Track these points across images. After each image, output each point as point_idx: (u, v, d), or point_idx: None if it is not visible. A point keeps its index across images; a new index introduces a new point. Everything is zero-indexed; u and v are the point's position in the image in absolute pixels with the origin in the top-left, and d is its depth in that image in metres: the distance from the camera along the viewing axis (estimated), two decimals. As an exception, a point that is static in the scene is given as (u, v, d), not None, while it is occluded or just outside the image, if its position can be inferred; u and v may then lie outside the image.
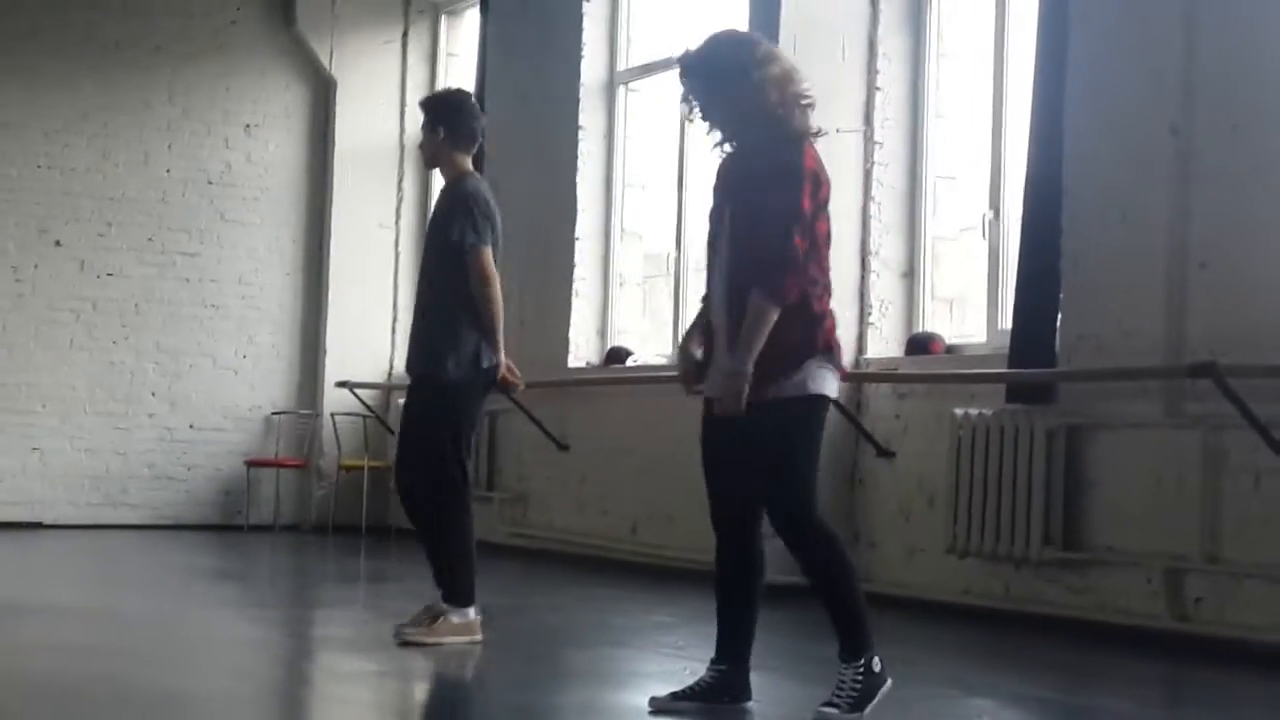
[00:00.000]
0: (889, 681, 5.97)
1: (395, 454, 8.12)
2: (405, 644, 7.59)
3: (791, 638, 8.02)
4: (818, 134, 6.10)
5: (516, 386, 8.18)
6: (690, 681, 6.16)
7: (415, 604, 7.96)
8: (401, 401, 14.19)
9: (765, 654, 6.30)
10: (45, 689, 6.48)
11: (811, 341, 5.97)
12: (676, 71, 6.22)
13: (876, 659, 5.96)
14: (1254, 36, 8.19)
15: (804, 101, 6.07)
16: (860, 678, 5.91)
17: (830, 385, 6.05)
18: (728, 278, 6.05)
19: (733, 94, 6.05)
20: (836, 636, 5.99)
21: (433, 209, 8.29)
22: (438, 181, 15.13)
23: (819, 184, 5.99)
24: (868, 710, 5.87)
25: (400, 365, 15.14)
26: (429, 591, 7.89)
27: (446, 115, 8.05)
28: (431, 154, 8.11)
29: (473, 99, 8.36)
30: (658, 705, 6.09)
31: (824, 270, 6.05)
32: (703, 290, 6.30)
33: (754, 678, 6.15)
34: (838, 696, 5.90)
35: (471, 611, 7.72)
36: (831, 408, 9.97)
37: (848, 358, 10.28)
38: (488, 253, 7.83)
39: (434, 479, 7.75)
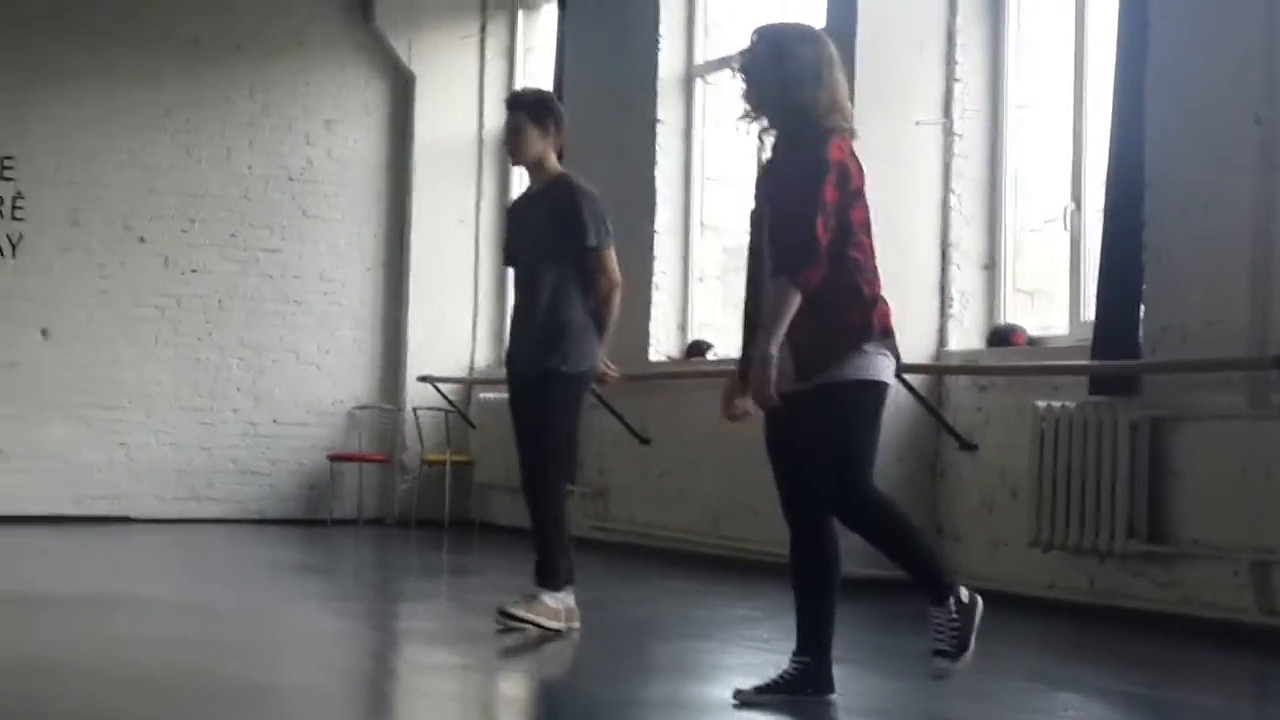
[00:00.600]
0: (979, 603, 6.07)
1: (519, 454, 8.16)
2: (504, 615, 7.68)
3: (872, 630, 8.02)
4: (850, 132, 6.14)
5: (614, 380, 8.29)
6: (774, 674, 6.17)
7: (499, 596, 7.99)
8: (487, 396, 14.40)
9: (846, 647, 6.29)
10: (136, 681, 6.54)
11: (864, 327, 6.02)
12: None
13: (962, 591, 6.07)
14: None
15: (838, 97, 6.11)
16: (955, 618, 6.02)
17: (885, 371, 6.10)
18: (772, 280, 6.08)
19: (770, 83, 6.11)
20: (923, 587, 6.09)
21: (530, 205, 8.32)
22: (516, 178, 15.26)
23: (846, 174, 6.02)
24: (972, 647, 6.00)
25: (481, 360, 15.21)
26: (513, 584, 7.94)
27: (555, 114, 8.19)
28: (539, 152, 8.15)
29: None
30: (743, 698, 6.10)
31: (868, 256, 6.10)
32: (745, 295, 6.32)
33: (836, 670, 6.14)
34: (940, 642, 6.02)
35: (567, 597, 7.79)
36: (911, 403, 10.12)
37: (929, 350, 10.35)
38: (614, 255, 8.05)
39: (540, 465, 7.89)
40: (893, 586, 9.59)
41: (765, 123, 6.19)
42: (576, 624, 7.87)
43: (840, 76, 6.17)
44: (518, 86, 15.43)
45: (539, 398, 8.00)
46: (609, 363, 8.20)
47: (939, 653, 6.00)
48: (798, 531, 6.16)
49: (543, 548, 7.84)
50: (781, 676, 6.13)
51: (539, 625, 7.67)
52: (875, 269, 6.14)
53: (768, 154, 6.29)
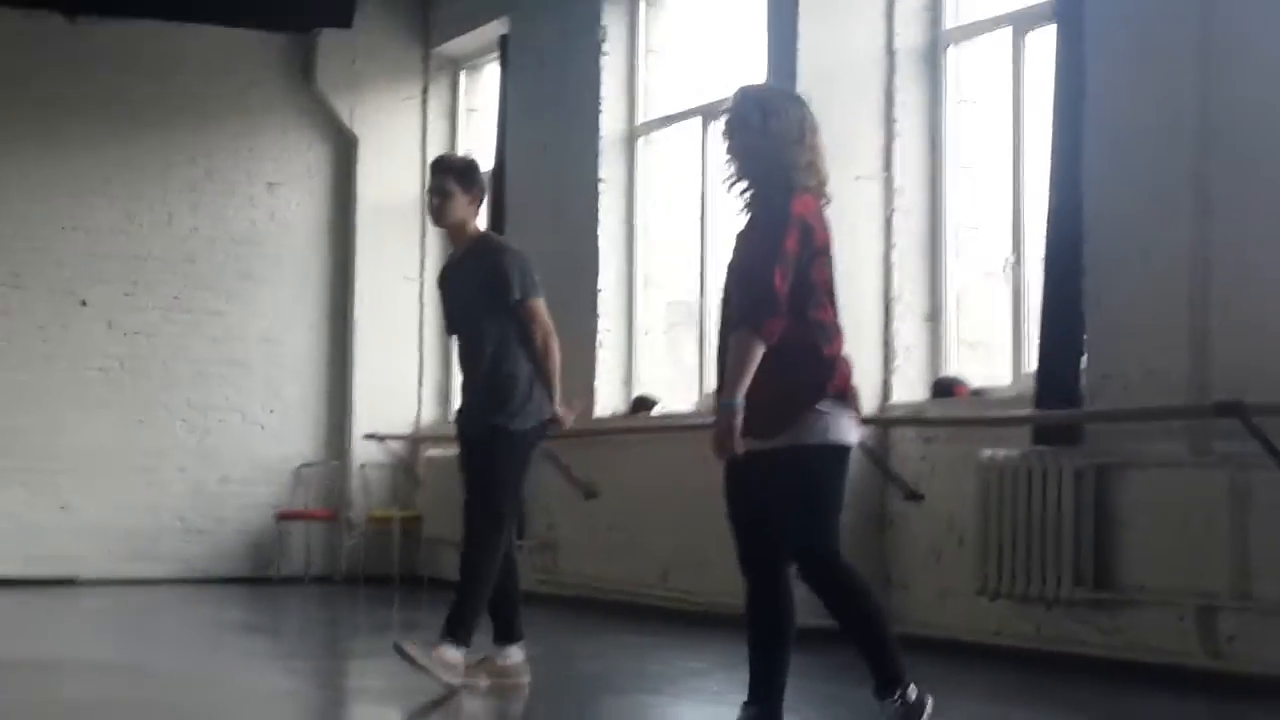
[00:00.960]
0: (930, 701, 5.97)
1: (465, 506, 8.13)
2: (397, 649, 7.66)
3: (823, 680, 7.99)
4: (819, 189, 6.11)
5: (565, 424, 8.25)
6: None
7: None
8: (434, 452, 14.36)
9: (793, 696, 6.25)
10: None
11: (821, 385, 5.98)
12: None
13: (913, 687, 5.96)
14: (1268, 79, 8.19)
15: (816, 160, 6.11)
16: (900, 709, 5.92)
17: (849, 433, 6.06)
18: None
19: (749, 143, 6.11)
20: (870, 673, 5.99)
21: (457, 271, 8.33)
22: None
23: (809, 230, 6.00)
24: None
25: (428, 416, 15.17)
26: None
27: (477, 178, 8.24)
28: (464, 216, 8.18)
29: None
30: None
31: (830, 315, 6.07)
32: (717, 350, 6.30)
33: None
34: None
35: (459, 654, 7.75)
36: (857, 451, 10.11)
37: (873, 402, 10.36)
38: (543, 304, 8.08)
39: (485, 523, 7.87)
40: (840, 636, 9.61)
41: (745, 182, 6.16)
42: (526, 678, 7.85)
43: (820, 141, 6.17)
44: (459, 147, 15.49)
45: (487, 455, 7.99)
46: (564, 406, 8.19)
47: None
48: (755, 584, 6.13)
49: (463, 601, 7.83)
50: None
51: (432, 674, 7.64)
52: (838, 329, 6.10)
53: (744, 211, 6.23)
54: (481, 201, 8.31)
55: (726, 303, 6.20)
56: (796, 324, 5.97)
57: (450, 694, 7.58)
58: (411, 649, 7.69)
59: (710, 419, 6.28)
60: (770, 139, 6.07)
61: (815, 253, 6.01)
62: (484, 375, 8.06)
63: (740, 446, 5.89)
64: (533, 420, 8.04)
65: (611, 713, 7.70)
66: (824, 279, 6.05)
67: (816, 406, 5.96)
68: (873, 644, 5.98)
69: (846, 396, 6.05)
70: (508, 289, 8.00)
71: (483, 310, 8.07)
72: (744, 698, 6.15)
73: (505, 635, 7.98)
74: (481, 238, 8.30)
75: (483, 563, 7.85)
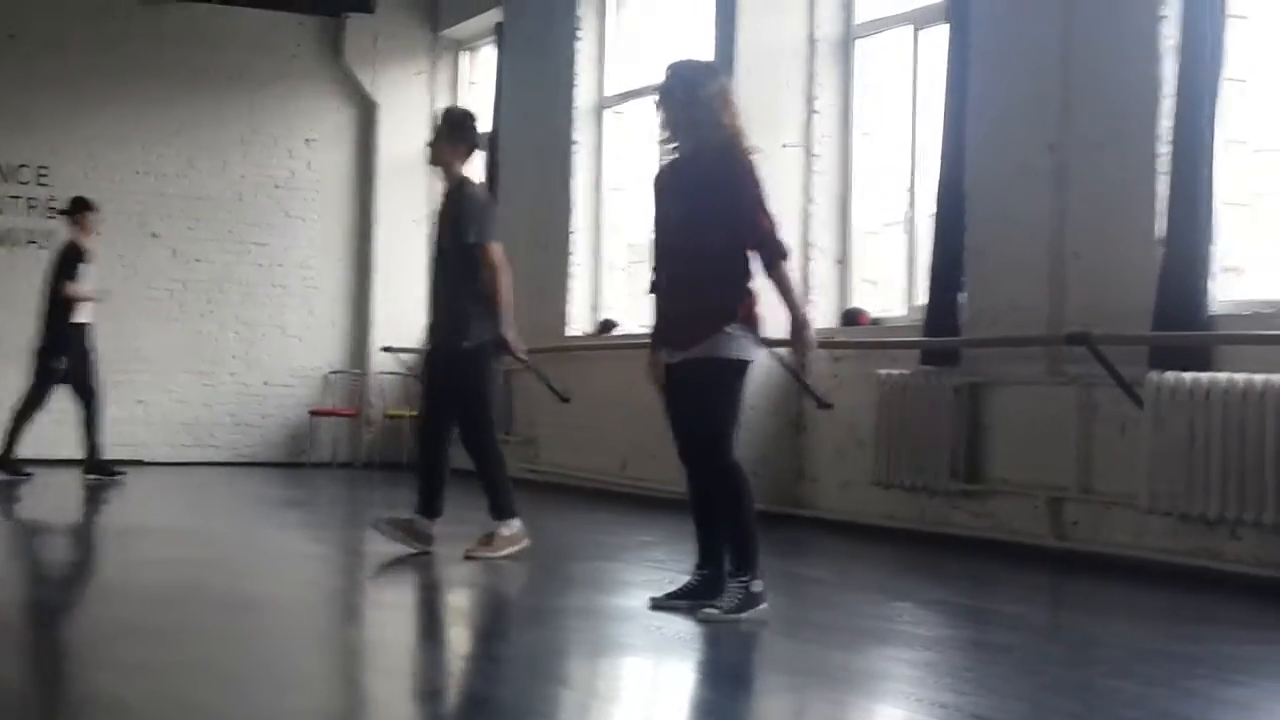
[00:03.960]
0: (766, 604, 5.88)
1: (423, 407, 8.07)
2: (469, 558, 7.59)
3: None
4: (753, 149, 6.09)
5: (520, 358, 8.08)
6: (680, 584, 6.17)
7: (454, 527, 7.96)
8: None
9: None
10: (149, 595, 6.50)
11: (732, 311, 5.93)
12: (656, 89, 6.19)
13: (759, 582, 5.89)
14: (1117, 69, 8.20)
15: (737, 122, 6.06)
16: (742, 590, 5.86)
17: (747, 350, 5.99)
18: (688, 269, 5.99)
19: (686, 104, 6.01)
20: (730, 555, 5.96)
21: (442, 208, 8.10)
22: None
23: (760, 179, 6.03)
24: (743, 616, 5.80)
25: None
26: (466, 517, 7.93)
27: (464, 131, 8.00)
28: (445, 158, 7.97)
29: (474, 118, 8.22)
30: (656, 603, 6.10)
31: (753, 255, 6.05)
32: (651, 282, 6.23)
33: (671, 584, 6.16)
34: (722, 600, 5.87)
35: (516, 522, 7.75)
36: (779, 368, 10.16)
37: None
38: (496, 247, 7.78)
39: (469, 424, 7.80)
40: (768, 518, 9.68)
41: (676, 143, 6.09)
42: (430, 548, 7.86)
43: (738, 104, 6.12)
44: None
45: (453, 371, 7.82)
46: (519, 346, 7.92)
47: (715, 605, 5.83)
48: (692, 471, 6.13)
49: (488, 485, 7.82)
50: (686, 586, 6.13)
51: (403, 544, 7.74)
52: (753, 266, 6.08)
53: (670, 169, 6.15)
54: (469, 151, 7.99)
55: (663, 243, 6.11)
56: (732, 256, 5.95)
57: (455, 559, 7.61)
58: (476, 551, 7.64)
59: (650, 374, 6.22)
60: (699, 107, 5.96)
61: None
62: (444, 300, 7.92)
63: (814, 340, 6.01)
64: (483, 336, 7.75)
65: (574, 574, 7.74)
66: None
67: (725, 328, 5.92)
68: (741, 535, 5.93)
69: (753, 319, 6.00)
70: (465, 231, 7.76)
71: (450, 244, 7.88)
72: (685, 566, 6.18)
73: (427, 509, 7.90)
74: (460, 182, 7.95)
75: (487, 449, 7.82)
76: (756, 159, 6.04)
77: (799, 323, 5.96)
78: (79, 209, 12.43)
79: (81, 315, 12.21)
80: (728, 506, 5.96)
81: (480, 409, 7.82)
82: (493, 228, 7.83)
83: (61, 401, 12.28)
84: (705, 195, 5.99)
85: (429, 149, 8.15)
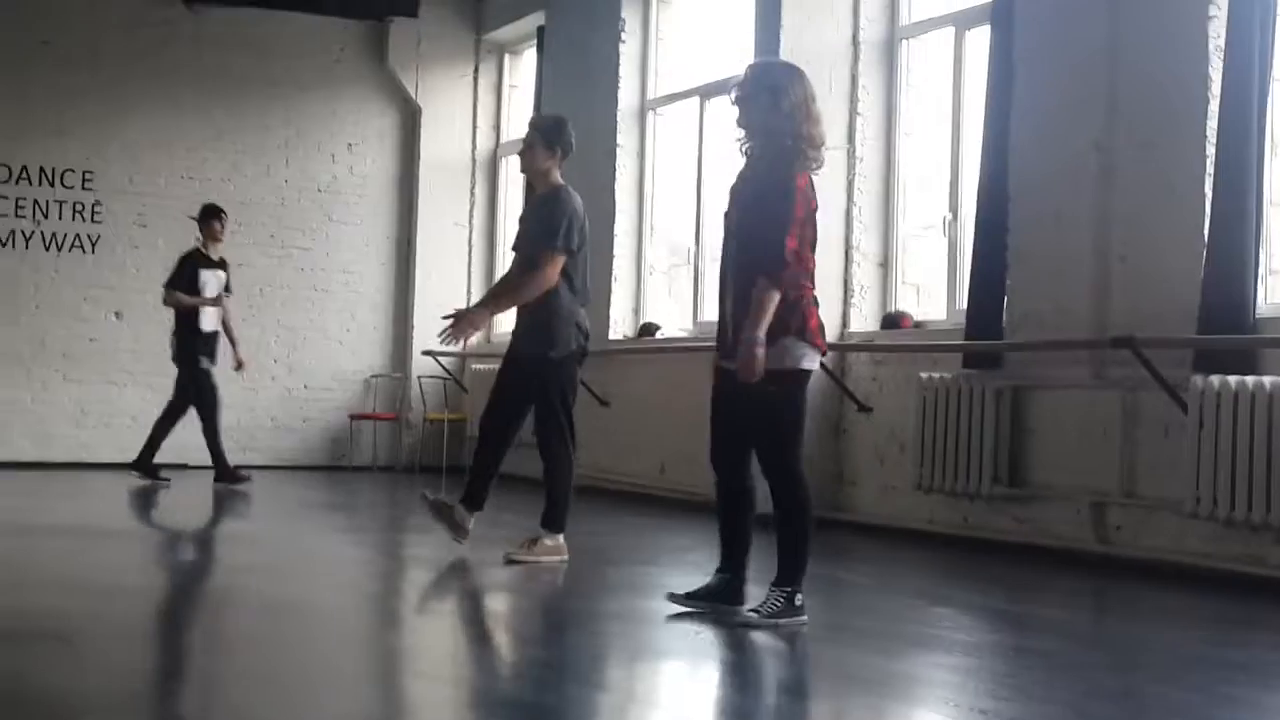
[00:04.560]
0: (806, 618, 5.89)
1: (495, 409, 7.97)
2: (511, 562, 7.61)
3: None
4: (817, 159, 6.03)
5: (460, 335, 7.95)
6: (699, 585, 6.16)
7: (489, 530, 7.98)
8: (478, 366, 14.37)
9: (762, 570, 6.27)
10: (191, 597, 6.52)
11: (792, 323, 5.92)
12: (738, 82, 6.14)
13: (800, 594, 5.90)
14: (1164, 68, 8.15)
15: (815, 131, 5.99)
16: (783, 600, 5.88)
17: (811, 361, 6.01)
18: (735, 277, 6.02)
19: (760, 107, 5.98)
20: (779, 564, 5.95)
21: (526, 214, 8.13)
22: (504, 189, 15.24)
23: (809, 200, 5.98)
24: (781, 623, 5.81)
25: (474, 337, 15.09)
26: (501, 519, 7.93)
27: (559, 137, 7.97)
28: (546, 167, 7.94)
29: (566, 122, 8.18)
30: (675, 598, 6.11)
31: (811, 265, 6.03)
32: (718, 285, 6.25)
33: (752, 587, 6.14)
34: (761, 606, 5.88)
35: (561, 538, 7.78)
36: (819, 373, 10.13)
37: (835, 333, 10.37)
38: (556, 258, 7.72)
39: (550, 432, 7.79)
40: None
41: (750, 144, 6.06)
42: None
43: (819, 110, 6.05)
44: (504, 118, 15.44)
45: (535, 380, 7.80)
46: (479, 313, 7.96)
47: (755, 610, 5.86)
48: (724, 477, 6.14)
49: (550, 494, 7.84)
50: (705, 586, 6.13)
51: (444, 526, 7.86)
52: (813, 277, 6.04)
53: (745, 169, 6.11)
54: (563, 157, 7.96)
55: (727, 246, 6.09)
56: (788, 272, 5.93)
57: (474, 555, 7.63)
58: (517, 554, 7.67)
59: (714, 344, 6.23)
60: (781, 116, 5.94)
61: (809, 215, 5.98)
62: (529, 308, 7.85)
63: (761, 371, 5.84)
64: (569, 347, 7.79)
65: (612, 579, 7.74)
66: (811, 237, 6.02)
67: (783, 339, 5.92)
68: (794, 545, 5.93)
69: (810, 330, 6.00)
70: (552, 234, 7.73)
71: (533, 250, 7.86)
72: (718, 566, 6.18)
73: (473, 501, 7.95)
74: (556, 189, 7.91)
75: (564, 459, 7.83)
76: (812, 176, 5.99)
77: (746, 344, 5.85)
78: (206, 216, 12.41)
79: (206, 323, 12.18)
80: (792, 516, 5.96)
81: (564, 419, 7.80)
82: (568, 240, 7.75)
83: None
84: (757, 205, 5.98)
85: (522, 156, 8.07)
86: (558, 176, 8.00)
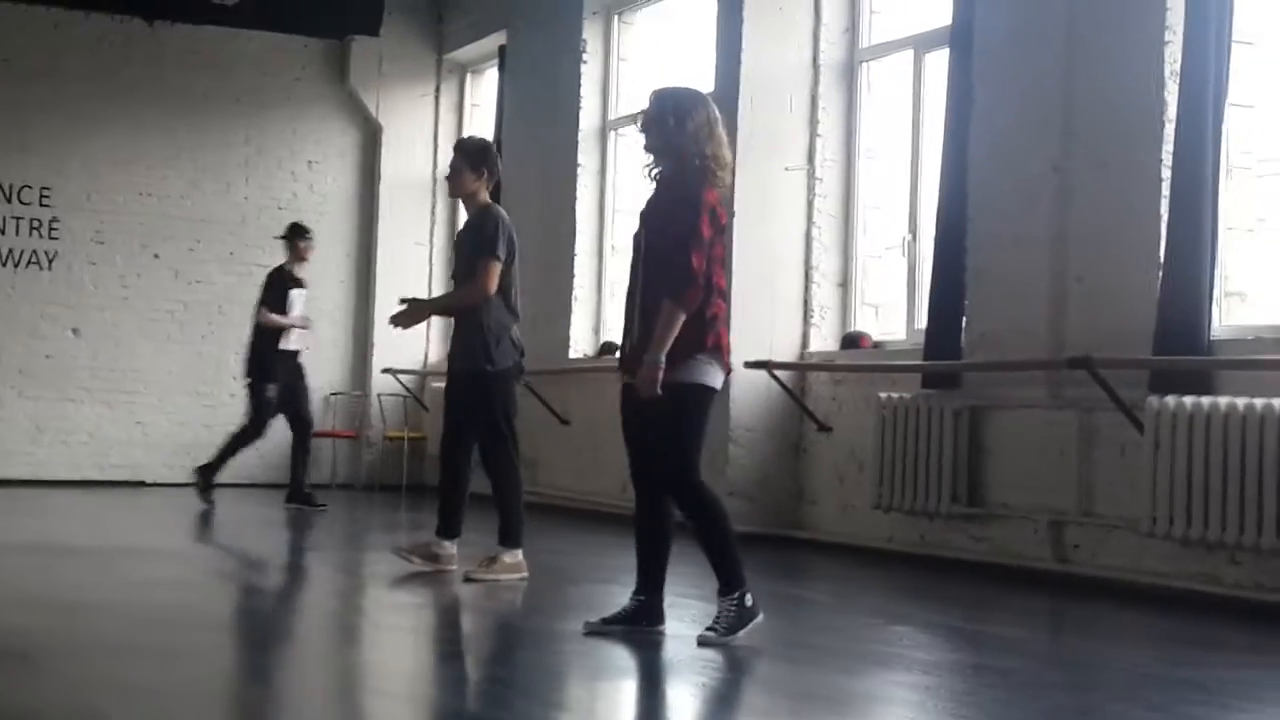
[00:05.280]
0: (760, 615, 5.92)
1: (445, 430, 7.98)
2: (470, 581, 7.59)
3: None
4: (724, 178, 6.05)
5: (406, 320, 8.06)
6: (617, 609, 6.14)
7: (466, 549, 7.95)
8: (437, 384, 14.33)
9: (681, 584, 6.22)
10: (148, 616, 6.48)
11: (699, 341, 5.92)
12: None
13: (749, 594, 5.92)
14: (1121, 91, 8.21)
15: (720, 151, 6.03)
16: (734, 608, 5.88)
17: (714, 378, 6.00)
18: (642, 293, 6.02)
19: (666, 130, 6.03)
20: (716, 575, 5.96)
21: (460, 236, 8.18)
22: (464, 209, 15.21)
23: (716, 215, 5.98)
24: (741, 634, 5.84)
25: (434, 355, 15.15)
26: (467, 538, 7.91)
27: (485, 159, 8.01)
28: (472, 189, 7.99)
29: (492, 145, 8.29)
30: (590, 628, 6.09)
31: (720, 282, 6.03)
32: (625, 304, 6.25)
33: (669, 607, 6.13)
34: (716, 623, 5.89)
35: (519, 553, 7.76)
36: (780, 391, 10.17)
37: (794, 352, 10.40)
38: (493, 265, 7.77)
39: (493, 447, 7.80)
40: (767, 540, 9.65)
41: (660, 169, 6.12)
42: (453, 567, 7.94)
43: (723, 133, 6.12)
44: (465, 135, 15.42)
45: (476, 395, 7.82)
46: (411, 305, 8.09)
47: (711, 629, 5.85)
48: (641, 495, 6.14)
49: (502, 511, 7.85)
50: (622, 611, 6.11)
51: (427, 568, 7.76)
52: (724, 293, 6.05)
53: (654, 194, 6.17)
54: (491, 178, 8.01)
55: (635, 265, 6.11)
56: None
57: (442, 577, 7.61)
58: (476, 573, 7.67)
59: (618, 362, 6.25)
60: (686, 137, 5.99)
61: (718, 232, 5.99)
62: (465, 325, 7.89)
63: (657, 390, 5.84)
64: (507, 362, 7.82)
65: (573, 597, 7.72)
66: (720, 253, 6.03)
67: (695, 356, 5.92)
68: (718, 551, 5.93)
69: (720, 349, 5.99)
70: (483, 248, 7.79)
71: (469, 270, 7.89)
72: (685, 587, 6.15)
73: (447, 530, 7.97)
74: (485, 208, 7.98)
75: (509, 473, 7.84)
76: (719, 194, 6.02)
77: (649, 365, 5.84)
78: (293, 235, 12.29)
79: (290, 343, 12.04)
80: (706, 526, 5.96)
81: (507, 433, 7.80)
82: (503, 250, 7.81)
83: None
84: (666, 224, 5.99)
85: (450, 181, 8.11)
86: (485, 197, 8.05)
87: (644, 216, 6.19)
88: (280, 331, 12.00)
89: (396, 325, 8.05)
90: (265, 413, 11.99)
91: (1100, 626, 7.15)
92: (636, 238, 6.19)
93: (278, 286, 12.09)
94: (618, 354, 6.36)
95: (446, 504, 7.95)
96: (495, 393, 7.81)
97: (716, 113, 6.13)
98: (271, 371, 11.95)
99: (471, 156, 8.02)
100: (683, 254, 5.87)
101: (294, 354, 12.10)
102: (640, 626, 6.03)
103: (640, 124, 6.21)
